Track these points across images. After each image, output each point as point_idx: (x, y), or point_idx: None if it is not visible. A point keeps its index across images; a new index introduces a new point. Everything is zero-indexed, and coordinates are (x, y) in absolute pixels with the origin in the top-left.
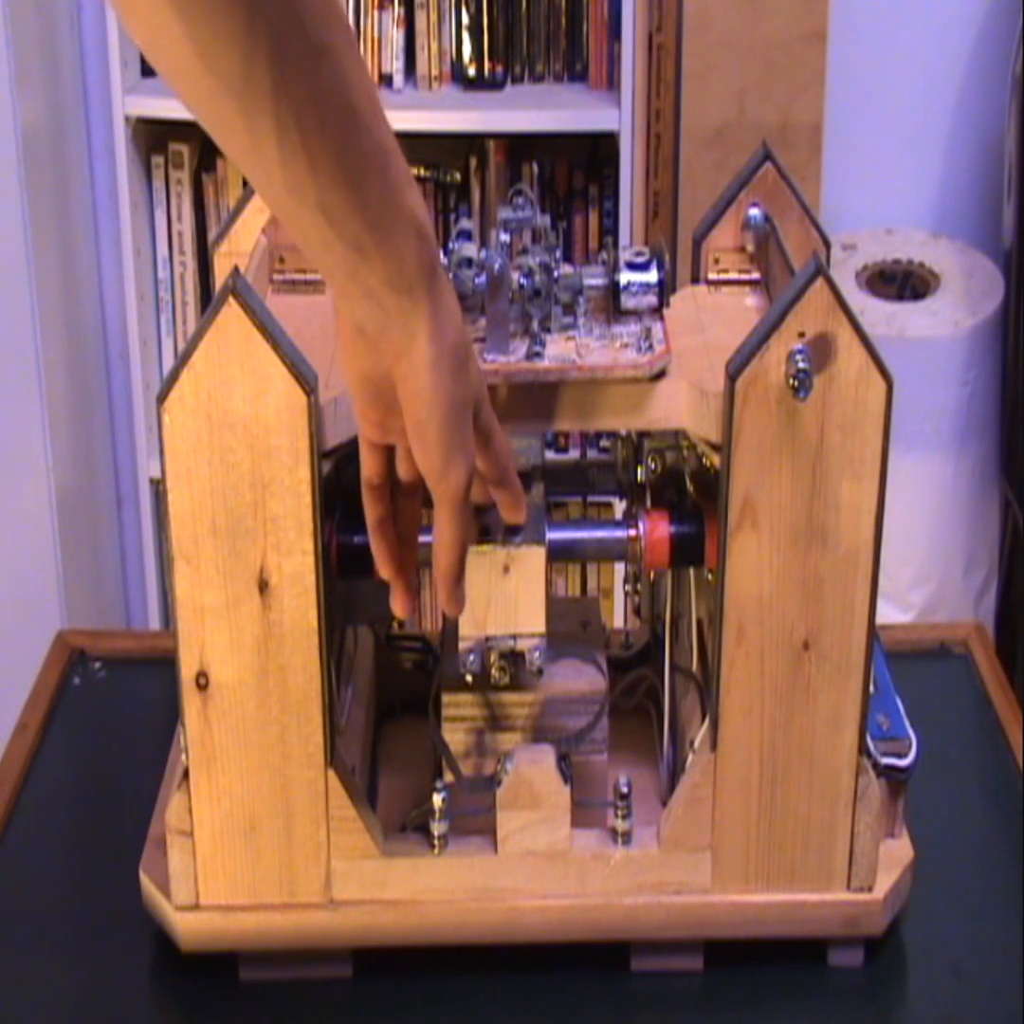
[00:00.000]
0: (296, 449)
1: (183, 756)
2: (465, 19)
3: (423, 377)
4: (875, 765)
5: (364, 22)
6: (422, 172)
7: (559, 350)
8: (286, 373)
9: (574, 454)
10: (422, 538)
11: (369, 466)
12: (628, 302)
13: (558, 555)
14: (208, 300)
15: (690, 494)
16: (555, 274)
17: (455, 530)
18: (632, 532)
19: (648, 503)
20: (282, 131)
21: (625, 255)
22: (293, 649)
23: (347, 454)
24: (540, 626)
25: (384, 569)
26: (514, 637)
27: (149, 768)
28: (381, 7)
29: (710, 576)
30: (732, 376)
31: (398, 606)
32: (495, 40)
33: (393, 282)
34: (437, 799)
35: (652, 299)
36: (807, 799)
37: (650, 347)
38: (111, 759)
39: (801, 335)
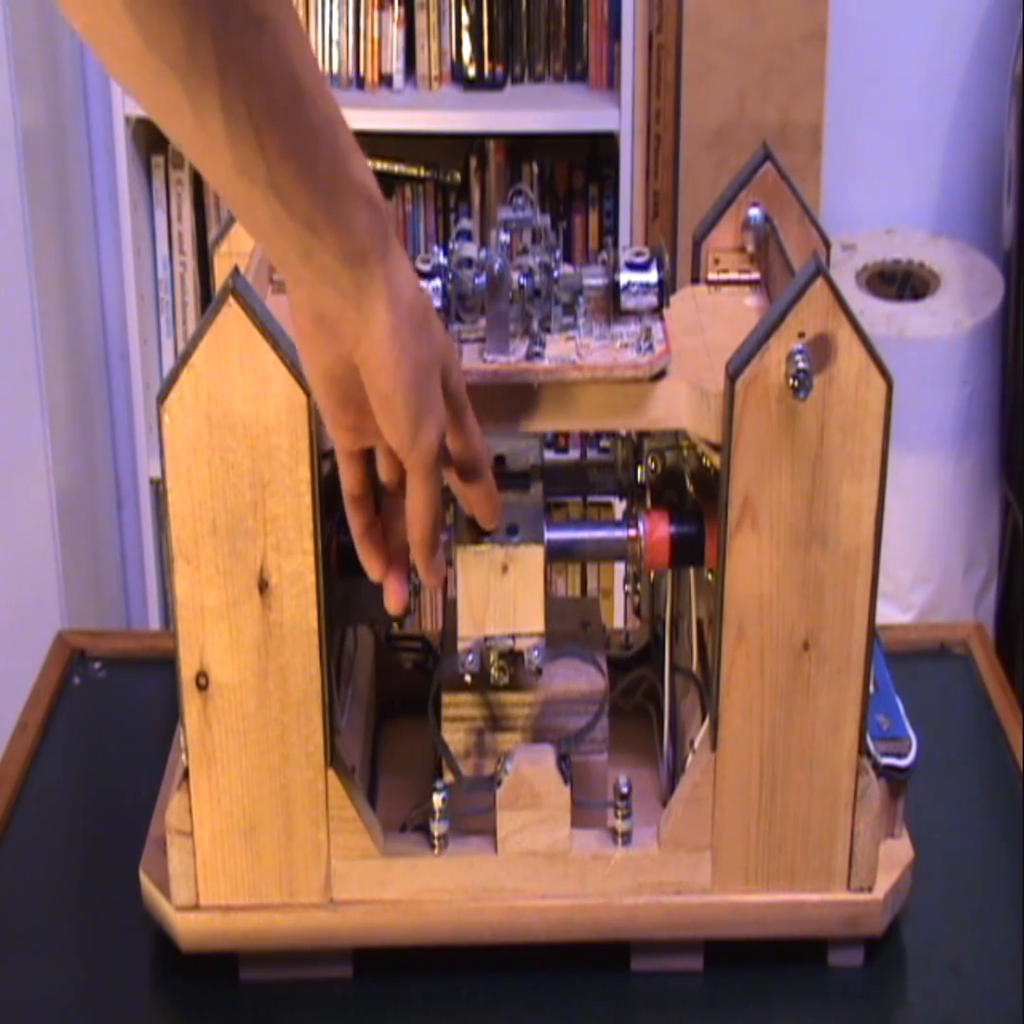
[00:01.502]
0: (296, 449)
1: (183, 756)
2: (465, 19)
3: (385, 346)
4: (875, 765)
5: (364, 22)
6: (422, 172)
7: (559, 350)
8: (286, 373)
9: (574, 454)
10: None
11: (349, 477)
12: (628, 302)
13: (557, 555)
14: (208, 300)
15: (690, 494)
16: (555, 274)
17: (427, 495)
18: (632, 532)
19: (648, 503)
20: (228, 108)
21: (625, 255)
22: (293, 649)
23: None
24: (539, 626)
25: (374, 572)
26: (513, 637)
27: (149, 768)
28: (381, 7)
29: (710, 576)
30: (732, 376)
31: (392, 603)
32: (495, 40)
33: (347, 255)
34: (437, 799)
35: (652, 299)
36: (807, 799)
37: (650, 347)
38: (111, 759)
39: (801, 335)
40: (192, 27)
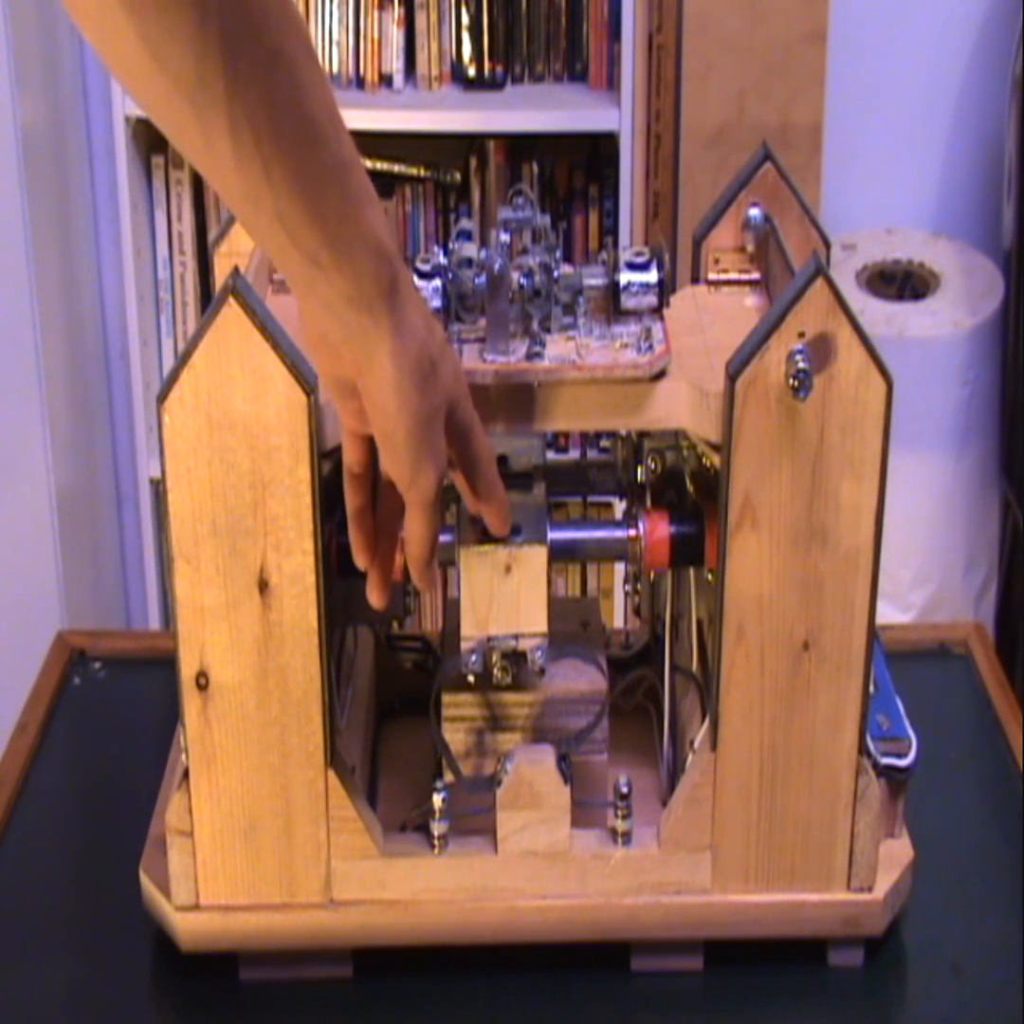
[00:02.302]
0: (296, 449)
1: (183, 756)
2: (465, 19)
3: (385, 395)
4: (875, 765)
5: (364, 22)
6: (422, 172)
7: (559, 350)
8: (286, 373)
9: (574, 454)
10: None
11: (350, 454)
12: (628, 302)
13: (559, 555)
14: (208, 300)
15: (690, 494)
16: (555, 274)
17: (425, 528)
18: (632, 532)
19: (648, 503)
20: (236, 135)
21: (625, 255)
22: (293, 649)
23: None
24: (542, 626)
25: (360, 558)
26: (516, 637)
27: (149, 768)
28: (381, 7)
29: (710, 576)
30: (732, 376)
31: (374, 596)
32: (495, 40)
33: (351, 298)
34: (437, 799)
35: (652, 299)
36: (807, 799)
37: (650, 347)
38: (111, 759)
39: (801, 335)
40: (202, 53)
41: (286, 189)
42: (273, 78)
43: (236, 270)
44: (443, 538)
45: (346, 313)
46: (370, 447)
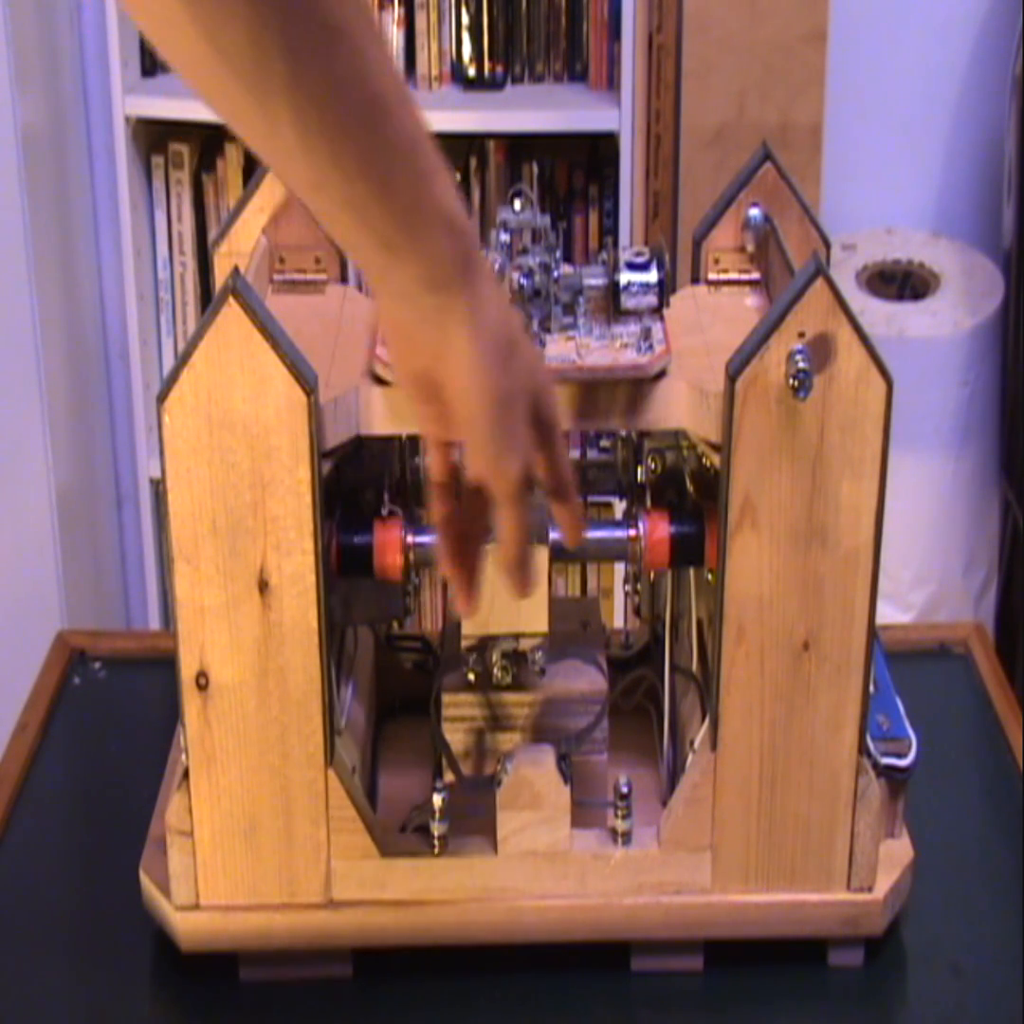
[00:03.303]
0: (296, 449)
1: (183, 756)
2: (465, 19)
3: (466, 374)
4: (875, 765)
5: None
6: None
7: (559, 350)
8: (286, 373)
9: (574, 454)
10: (430, 538)
11: (435, 464)
12: (628, 302)
13: (559, 555)
14: (208, 300)
15: (690, 494)
16: (555, 274)
17: (515, 520)
18: (632, 532)
19: (648, 503)
20: (300, 120)
21: (625, 255)
22: (293, 649)
23: (347, 454)
24: (543, 626)
25: (445, 566)
26: (517, 637)
27: (149, 768)
28: (381, 7)
29: (710, 576)
30: (732, 376)
31: (461, 604)
32: (495, 40)
33: (426, 280)
34: (437, 799)
35: (652, 299)
36: (807, 799)
37: (650, 347)
38: (111, 759)
39: (801, 335)
40: (260, 35)
41: (355, 170)
42: (335, 55)
43: (236, 270)
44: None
45: (422, 296)
46: (453, 457)
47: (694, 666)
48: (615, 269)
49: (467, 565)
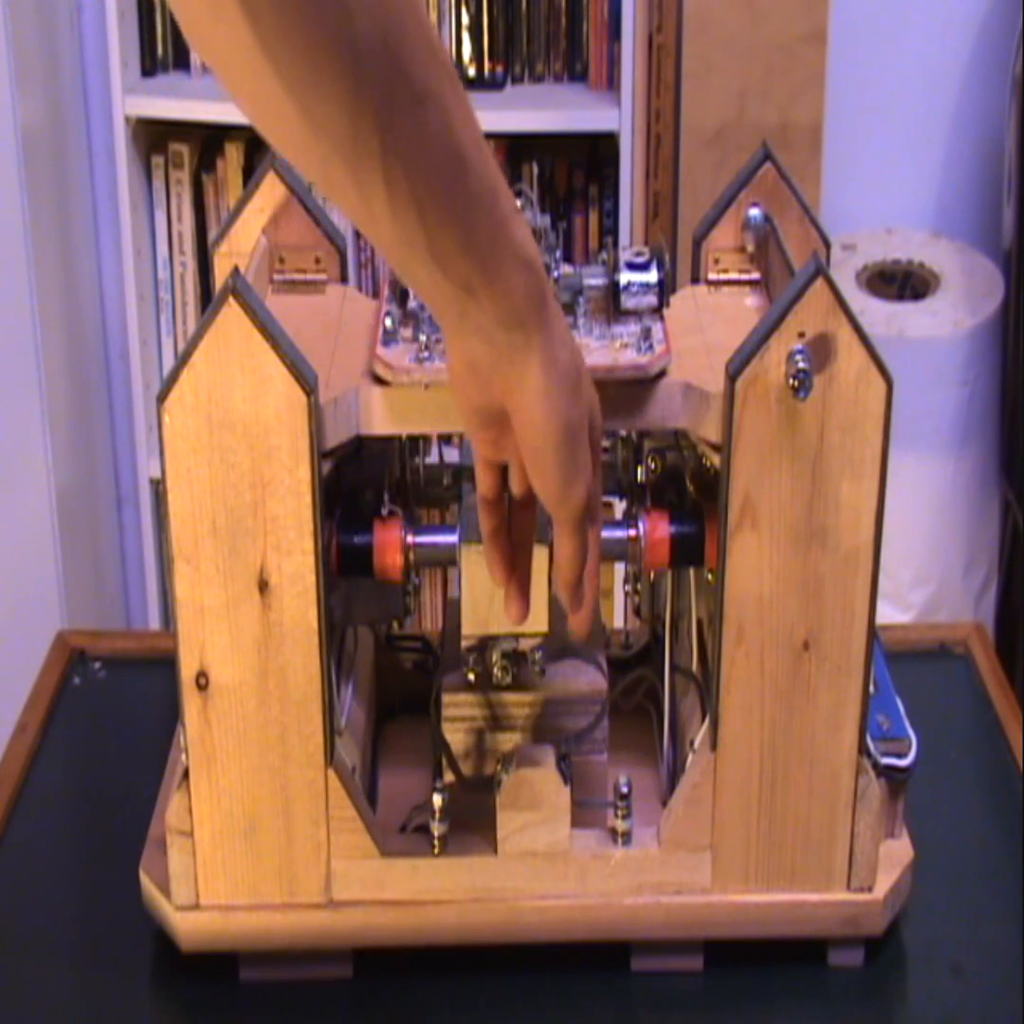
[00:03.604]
0: (296, 449)
1: (183, 756)
2: (465, 19)
3: (537, 407)
4: (875, 765)
5: None
6: None
7: None
8: (286, 373)
9: None
10: (430, 538)
11: (484, 482)
12: (628, 302)
13: None
14: (208, 300)
15: (690, 494)
16: (555, 274)
17: (575, 546)
18: (632, 532)
19: (648, 503)
20: (391, 185)
21: (625, 255)
22: (293, 649)
23: (347, 454)
24: (543, 626)
25: (498, 575)
26: (517, 637)
27: (149, 768)
28: None
29: (710, 576)
30: (732, 376)
31: (513, 611)
32: (495, 40)
33: (503, 318)
34: (437, 799)
35: (652, 299)
36: (807, 799)
37: (650, 347)
38: (111, 759)
39: (801, 335)
40: (356, 113)
41: (439, 225)
42: (424, 121)
43: (236, 270)
44: (445, 538)
45: (498, 334)
46: (502, 474)
47: (694, 666)
48: (615, 269)
49: (520, 574)
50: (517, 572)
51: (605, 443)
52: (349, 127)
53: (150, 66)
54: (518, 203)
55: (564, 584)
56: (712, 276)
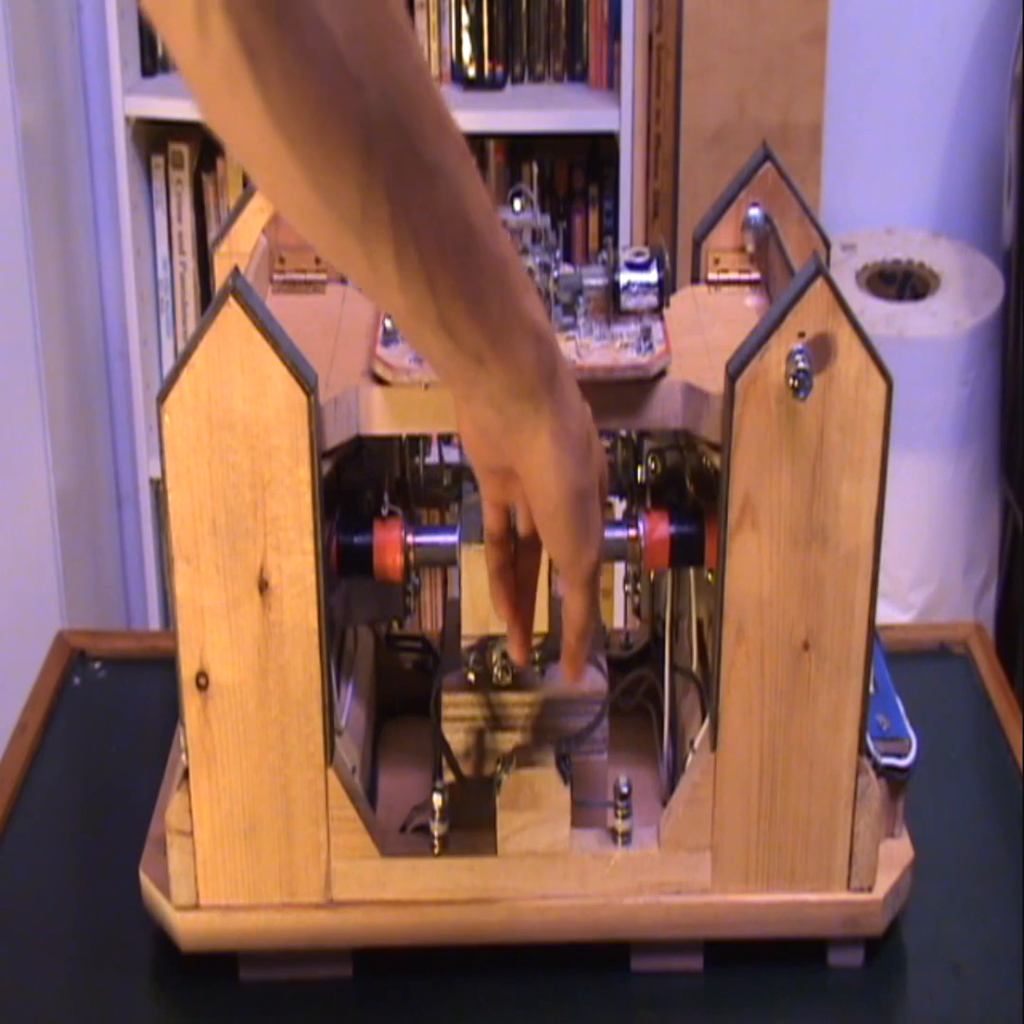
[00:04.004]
0: (296, 449)
1: (183, 756)
2: (465, 19)
3: (548, 476)
4: (875, 765)
5: None
6: None
7: None
8: (286, 373)
9: None
10: (430, 538)
11: (491, 522)
12: (628, 302)
13: None
14: (208, 300)
15: (690, 494)
16: (555, 274)
17: (584, 605)
18: (632, 532)
19: (648, 503)
20: (401, 256)
21: (625, 255)
22: (293, 649)
23: (347, 454)
24: (543, 626)
25: (502, 612)
26: None
27: (149, 768)
28: None
29: (710, 576)
30: (732, 376)
31: (516, 652)
32: (495, 40)
33: (513, 389)
34: (437, 799)
35: (652, 299)
36: (807, 799)
37: (650, 347)
38: (111, 759)
39: (801, 335)
40: (367, 184)
41: (450, 297)
42: (434, 194)
43: (236, 270)
44: (445, 538)
45: (508, 404)
46: (509, 513)
47: (694, 666)
48: (615, 269)
49: (523, 616)
50: (520, 614)
51: (605, 443)
52: (359, 198)
53: (150, 66)
54: (518, 205)
55: (569, 637)
56: (712, 276)
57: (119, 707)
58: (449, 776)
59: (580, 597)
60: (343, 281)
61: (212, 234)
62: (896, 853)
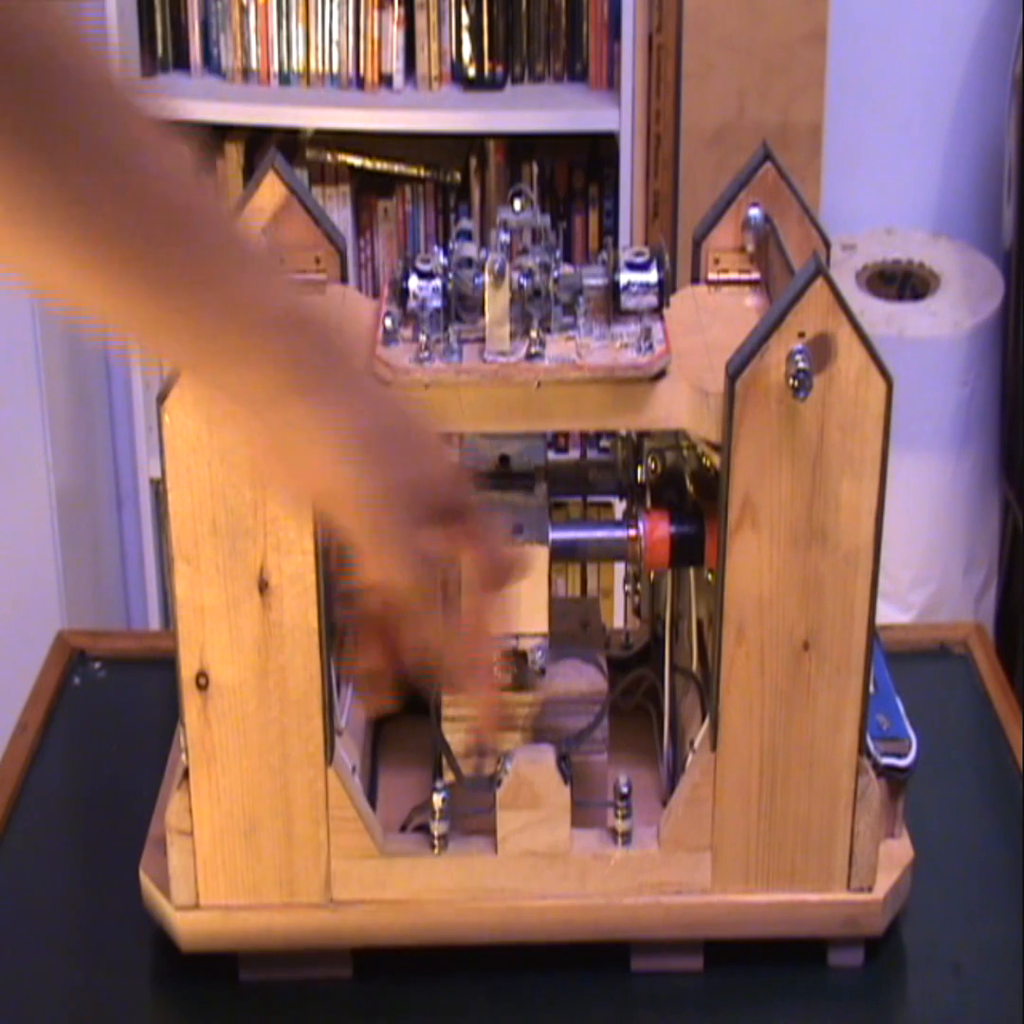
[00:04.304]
0: None
1: (183, 756)
2: (465, 19)
3: (330, 483)
4: (875, 765)
5: (364, 22)
6: (422, 172)
7: (559, 350)
8: None
9: (574, 454)
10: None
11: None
12: (628, 302)
13: (560, 555)
14: None
15: (690, 494)
16: (555, 274)
17: (420, 629)
18: (632, 532)
19: (648, 503)
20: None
21: (625, 255)
22: (293, 649)
23: None
24: (543, 626)
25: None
26: (516, 637)
27: (149, 768)
28: (381, 7)
29: (710, 576)
30: (732, 376)
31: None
32: (495, 40)
33: (267, 387)
34: (437, 799)
35: (652, 299)
36: (807, 799)
37: (650, 347)
38: (111, 759)
39: (801, 335)
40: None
41: (154, 293)
42: (117, 182)
43: None
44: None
45: (266, 407)
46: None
47: (694, 666)
48: (615, 269)
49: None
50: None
51: (605, 443)
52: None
53: (150, 66)
54: (518, 205)
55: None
56: (712, 276)
57: (119, 707)
58: (449, 776)
59: (409, 633)
60: (343, 281)
61: None
62: (896, 853)
